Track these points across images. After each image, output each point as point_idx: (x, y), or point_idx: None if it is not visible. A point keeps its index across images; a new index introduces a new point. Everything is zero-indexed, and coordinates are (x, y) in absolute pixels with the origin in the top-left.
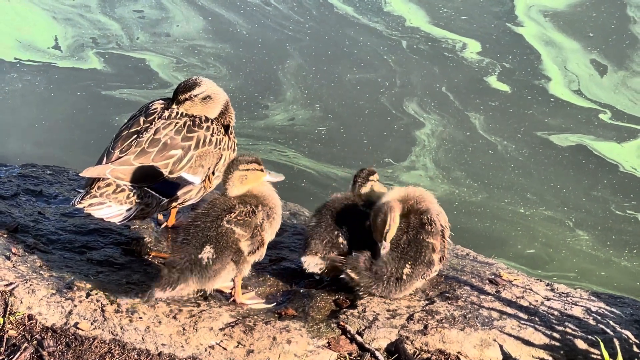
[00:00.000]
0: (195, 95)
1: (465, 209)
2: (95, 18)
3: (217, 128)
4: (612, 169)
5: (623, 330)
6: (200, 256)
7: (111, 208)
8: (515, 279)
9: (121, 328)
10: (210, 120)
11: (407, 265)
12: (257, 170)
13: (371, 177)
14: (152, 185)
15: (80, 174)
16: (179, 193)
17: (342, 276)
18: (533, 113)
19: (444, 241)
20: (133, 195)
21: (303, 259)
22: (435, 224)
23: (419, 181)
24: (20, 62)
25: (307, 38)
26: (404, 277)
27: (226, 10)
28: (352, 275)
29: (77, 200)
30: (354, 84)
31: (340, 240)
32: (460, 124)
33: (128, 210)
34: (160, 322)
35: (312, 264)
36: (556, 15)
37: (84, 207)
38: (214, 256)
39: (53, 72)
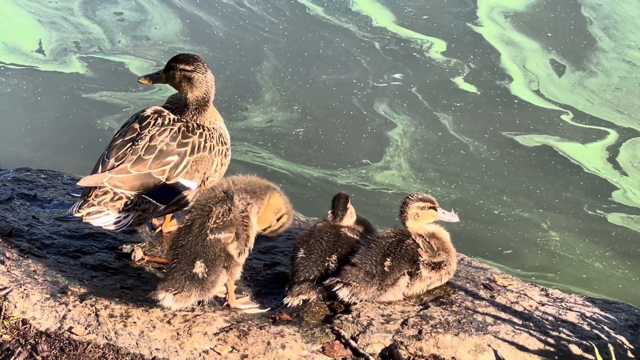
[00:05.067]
0: (182, 70)
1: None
2: (77, 21)
3: (209, 134)
4: (577, 170)
5: (617, 336)
6: (194, 271)
7: (109, 216)
8: (509, 284)
9: (115, 333)
10: (202, 127)
11: (388, 259)
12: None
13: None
14: (150, 192)
15: (77, 184)
16: (176, 199)
17: (341, 295)
18: (499, 114)
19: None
20: (130, 203)
21: (286, 300)
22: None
23: (393, 181)
24: (4, 65)
25: (283, 40)
26: (386, 269)
27: (203, 12)
28: (354, 284)
29: (74, 209)
30: (329, 85)
31: (331, 270)
32: (431, 124)
33: (126, 217)
34: (154, 327)
35: (295, 303)
36: (516, 16)
37: (82, 215)
38: (207, 269)
39: (36, 76)
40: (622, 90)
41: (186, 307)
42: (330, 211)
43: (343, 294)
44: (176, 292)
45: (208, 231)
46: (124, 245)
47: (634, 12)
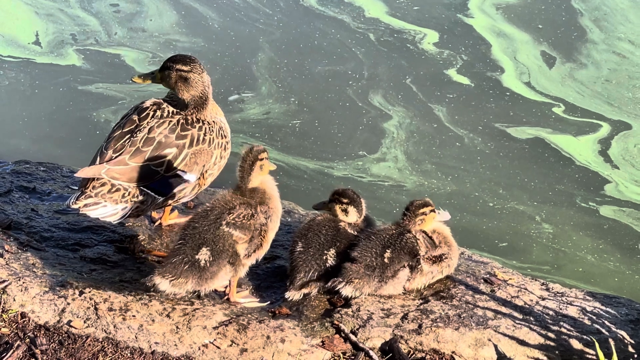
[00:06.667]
0: (178, 70)
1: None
2: (74, 13)
3: (209, 127)
4: (569, 163)
5: (618, 330)
6: (197, 257)
7: (106, 208)
8: (510, 279)
9: (114, 326)
10: (201, 120)
11: (388, 251)
12: (267, 160)
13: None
14: (148, 184)
15: (75, 175)
16: (174, 191)
17: (345, 293)
18: (492, 106)
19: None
20: (128, 195)
21: (287, 294)
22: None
23: (390, 173)
24: (1, 57)
25: (278, 31)
26: (386, 260)
27: (198, 4)
28: (357, 281)
29: (72, 200)
30: (325, 76)
31: (329, 264)
32: (426, 116)
33: (123, 209)
34: (153, 321)
35: (297, 297)
36: (507, 8)
37: (79, 207)
38: (211, 258)
39: (33, 68)
40: (612, 82)
41: (181, 294)
42: (353, 208)
43: (347, 291)
44: (173, 278)
45: (224, 222)
46: (123, 239)
47: (623, 3)
